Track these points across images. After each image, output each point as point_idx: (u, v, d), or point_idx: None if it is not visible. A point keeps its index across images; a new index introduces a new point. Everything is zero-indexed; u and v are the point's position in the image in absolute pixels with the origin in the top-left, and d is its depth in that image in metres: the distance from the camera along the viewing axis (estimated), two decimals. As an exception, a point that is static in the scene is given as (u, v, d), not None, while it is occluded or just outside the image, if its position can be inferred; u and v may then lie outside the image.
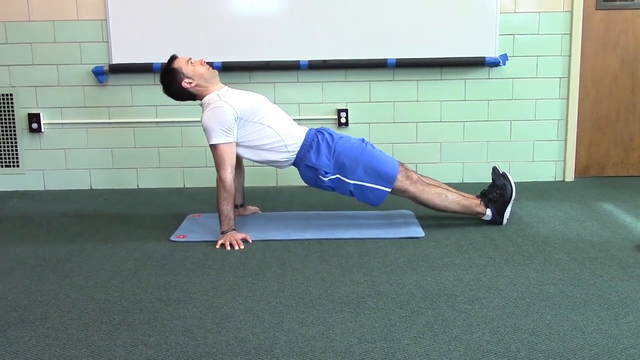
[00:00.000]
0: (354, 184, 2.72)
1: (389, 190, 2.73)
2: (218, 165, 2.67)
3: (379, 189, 2.72)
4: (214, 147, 2.67)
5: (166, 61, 2.80)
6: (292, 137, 2.76)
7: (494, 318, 1.83)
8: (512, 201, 2.85)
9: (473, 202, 2.85)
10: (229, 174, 2.64)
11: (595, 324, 1.78)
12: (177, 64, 2.75)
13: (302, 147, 2.75)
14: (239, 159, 2.87)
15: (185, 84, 2.74)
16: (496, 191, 2.87)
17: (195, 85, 2.75)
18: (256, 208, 3.18)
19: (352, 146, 2.77)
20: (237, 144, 2.73)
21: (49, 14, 3.75)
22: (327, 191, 2.83)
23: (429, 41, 3.73)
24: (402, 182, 2.74)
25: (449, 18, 3.71)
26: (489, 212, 2.85)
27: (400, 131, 3.89)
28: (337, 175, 2.73)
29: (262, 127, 2.73)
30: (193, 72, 2.73)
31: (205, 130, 2.68)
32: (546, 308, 1.90)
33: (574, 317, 1.83)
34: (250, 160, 2.84)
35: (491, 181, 2.95)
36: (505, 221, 2.86)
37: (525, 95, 3.86)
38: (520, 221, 2.95)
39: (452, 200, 2.81)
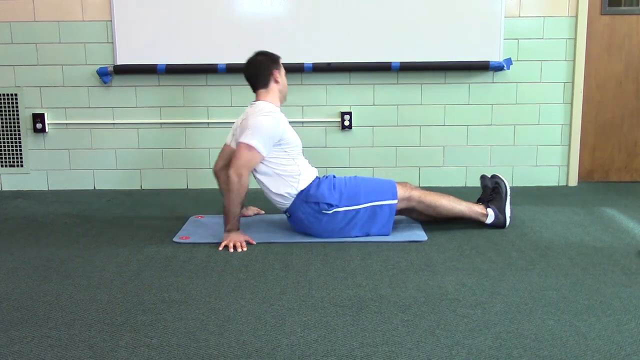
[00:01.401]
0: (363, 208, 2.71)
1: (396, 201, 2.73)
2: (240, 167, 2.60)
3: (388, 204, 2.73)
4: (247, 147, 2.61)
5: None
6: (306, 177, 2.73)
7: (496, 323, 1.83)
8: (509, 196, 2.87)
9: (475, 205, 2.88)
10: (247, 177, 2.64)
11: (598, 330, 1.78)
12: (281, 62, 2.86)
13: (307, 187, 2.72)
14: None
15: (275, 73, 2.79)
16: (491, 192, 2.92)
17: (275, 83, 2.80)
18: (258, 209, 3.19)
19: (345, 178, 2.81)
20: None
21: (54, 15, 3.76)
22: (325, 237, 2.72)
23: (433, 45, 3.73)
24: (403, 189, 2.78)
25: (453, 22, 3.71)
26: (490, 211, 2.85)
27: (404, 134, 3.89)
28: (345, 208, 2.69)
29: (288, 157, 2.73)
30: (284, 77, 2.85)
31: (250, 126, 2.63)
32: (549, 314, 1.89)
33: (576, 323, 1.82)
34: (259, 181, 2.78)
35: (482, 189, 3.00)
36: (508, 221, 2.86)
37: (529, 99, 3.86)
38: (523, 226, 2.94)
39: (456, 200, 2.84)
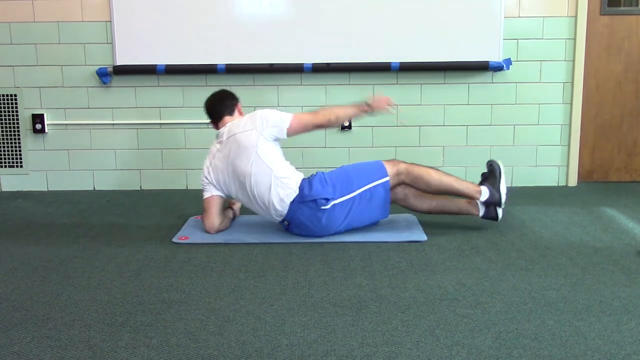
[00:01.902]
0: (359, 194, 2.71)
1: (388, 177, 2.74)
2: (313, 119, 2.78)
3: (381, 183, 2.73)
4: (294, 117, 2.76)
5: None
6: (297, 177, 2.74)
7: (496, 323, 1.82)
8: (502, 174, 2.83)
9: (467, 181, 2.84)
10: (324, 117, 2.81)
11: (598, 330, 1.78)
12: None
13: (300, 188, 2.70)
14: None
15: (239, 106, 2.95)
16: (485, 174, 2.90)
17: (239, 114, 2.93)
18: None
19: (333, 170, 2.82)
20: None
21: (54, 15, 3.76)
22: (329, 233, 2.74)
23: (432, 45, 3.73)
24: (391, 165, 2.79)
25: (452, 22, 3.71)
26: (484, 188, 2.81)
27: (404, 135, 3.90)
28: (341, 199, 2.69)
29: (283, 160, 2.77)
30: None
31: (271, 117, 2.74)
32: (548, 313, 1.89)
33: (576, 323, 1.82)
34: (261, 197, 2.73)
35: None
36: (504, 198, 2.80)
37: (529, 99, 3.86)
38: (522, 226, 2.94)
39: (445, 172, 2.82)
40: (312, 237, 2.73)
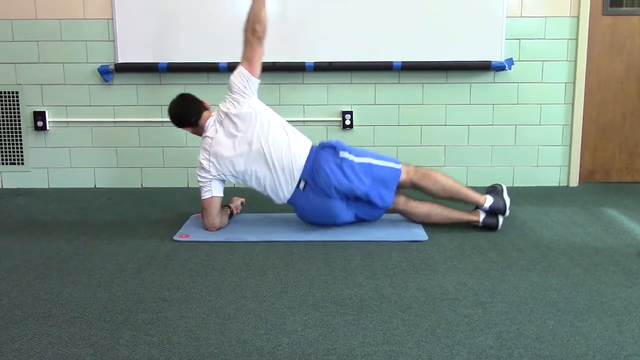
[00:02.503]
0: (375, 165, 2.78)
1: (400, 165, 2.82)
2: (249, 45, 2.92)
3: (395, 168, 2.81)
4: (242, 63, 2.89)
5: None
6: (305, 137, 2.86)
7: (497, 323, 1.82)
8: (505, 189, 2.89)
9: (472, 191, 2.88)
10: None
11: (599, 330, 1.78)
12: None
13: (307, 160, 2.78)
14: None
15: (204, 102, 2.98)
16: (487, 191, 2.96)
17: (208, 116, 2.91)
18: (242, 199, 3.21)
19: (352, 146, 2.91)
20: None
21: (56, 13, 3.76)
22: (348, 188, 2.74)
23: (434, 44, 3.72)
24: (402, 164, 2.86)
25: (455, 21, 3.70)
26: (489, 196, 2.85)
27: (405, 134, 3.89)
28: (358, 159, 2.77)
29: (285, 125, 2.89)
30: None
31: (235, 79, 2.85)
32: (549, 314, 1.89)
33: (577, 323, 1.82)
34: (284, 155, 2.78)
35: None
36: (508, 204, 2.82)
37: (531, 99, 3.86)
38: (524, 226, 2.94)
39: (452, 178, 2.88)
40: (323, 220, 2.80)
